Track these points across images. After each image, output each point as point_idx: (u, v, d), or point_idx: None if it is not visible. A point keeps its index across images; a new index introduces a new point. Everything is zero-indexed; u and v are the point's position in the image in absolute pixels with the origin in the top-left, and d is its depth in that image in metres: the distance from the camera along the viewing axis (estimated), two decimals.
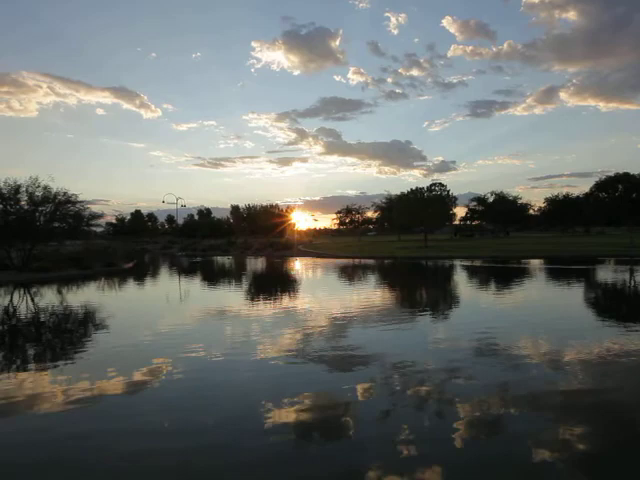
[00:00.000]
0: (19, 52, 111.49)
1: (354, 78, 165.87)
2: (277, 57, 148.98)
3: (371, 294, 14.70)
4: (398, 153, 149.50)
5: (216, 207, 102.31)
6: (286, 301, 13.97)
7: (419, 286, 18.17)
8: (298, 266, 29.54)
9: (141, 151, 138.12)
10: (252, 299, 14.91)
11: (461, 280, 19.24)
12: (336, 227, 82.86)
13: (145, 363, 6.94)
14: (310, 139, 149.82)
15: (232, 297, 15.24)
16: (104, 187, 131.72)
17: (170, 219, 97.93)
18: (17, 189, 23.70)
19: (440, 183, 59.45)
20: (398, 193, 56.80)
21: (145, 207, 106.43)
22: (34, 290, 18.03)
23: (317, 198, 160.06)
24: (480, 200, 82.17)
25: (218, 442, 4.31)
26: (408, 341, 8.20)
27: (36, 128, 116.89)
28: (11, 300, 15.69)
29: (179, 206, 68.57)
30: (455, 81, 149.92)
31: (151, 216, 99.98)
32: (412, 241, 53.05)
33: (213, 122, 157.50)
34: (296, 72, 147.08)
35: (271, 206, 66.59)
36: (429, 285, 18.48)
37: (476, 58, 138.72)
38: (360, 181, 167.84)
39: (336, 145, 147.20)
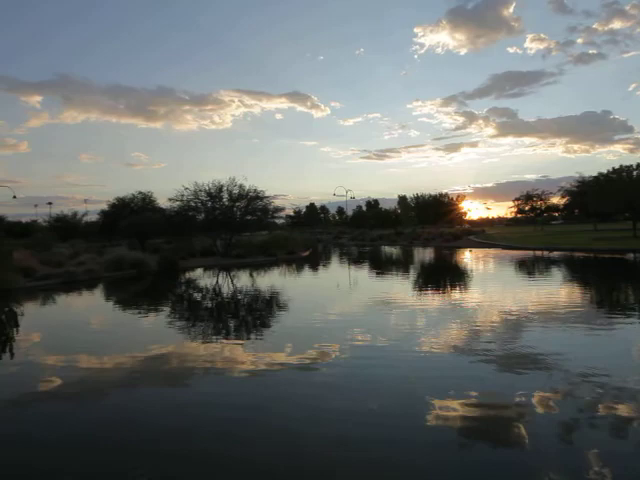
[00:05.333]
0: (217, 74, 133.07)
1: (532, 46, 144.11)
2: (441, 39, 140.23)
3: (555, 292, 12.92)
4: (592, 127, 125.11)
5: (383, 198, 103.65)
6: (455, 294, 13.39)
7: (623, 285, 15.13)
8: (468, 257, 27.89)
9: (313, 148, 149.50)
10: (420, 290, 14.74)
11: None
12: (512, 215, 74.80)
13: (315, 344, 7.55)
14: (480, 121, 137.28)
15: (399, 287, 15.35)
16: (283, 183, 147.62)
17: (340, 211, 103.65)
18: (220, 188, 28.54)
19: None
20: (594, 174, 47.95)
21: (318, 200, 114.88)
22: (233, 273, 21.46)
23: (489, 185, 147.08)
24: None
25: (376, 432, 4.43)
26: (602, 349, 6.95)
27: (230, 136, 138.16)
28: (217, 281, 19.06)
29: (348, 198, 72.00)
30: None
31: (323, 208, 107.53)
32: (613, 230, 44.32)
33: (377, 114, 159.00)
34: (463, 51, 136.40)
35: (440, 195, 64.25)
36: (637, 284, 15.21)
37: None
38: (541, 163, 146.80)
39: (511, 125, 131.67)
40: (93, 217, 46.45)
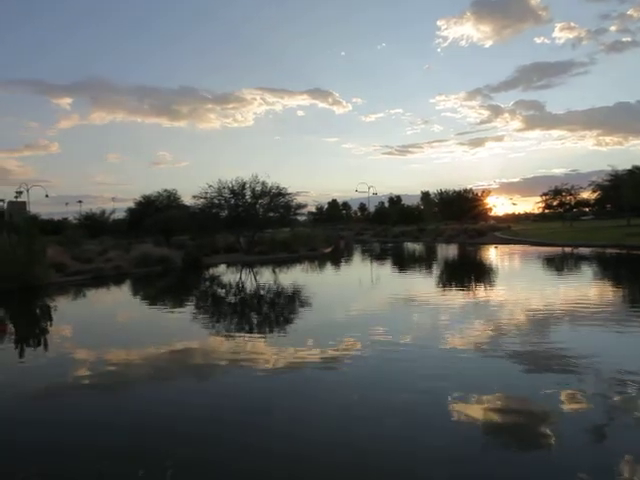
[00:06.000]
0: (240, 72, 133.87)
1: (561, 36, 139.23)
2: (465, 31, 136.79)
3: (584, 289, 12.54)
4: (626, 117, 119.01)
5: (405, 194, 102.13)
6: (479, 291, 13.17)
7: None
8: (493, 254, 27.36)
9: (334, 145, 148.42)
10: (443, 287, 14.57)
11: None
12: (540, 211, 72.70)
13: (338, 340, 7.58)
14: (506, 115, 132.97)
15: (422, 284, 15.20)
16: (305, 180, 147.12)
17: (362, 207, 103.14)
18: (243, 186, 28.79)
19: None
20: (628, 167, 46.07)
21: (340, 196, 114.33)
22: (256, 269, 21.68)
23: (515, 180, 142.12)
24: None
25: (395, 432, 4.42)
26: (633, 348, 6.73)
27: (252, 134, 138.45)
28: (240, 277, 19.30)
29: (370, 194, 71.58)
30: None
31: (345, 204, 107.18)
32: None
33: (400, 110, 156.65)
34: (488, 43, 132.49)
35: (464, 191, 63.08)
36: None
37: None
38: (570, 157, 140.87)
39: (538, 118, 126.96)
40: (120, 215, 47.70)
